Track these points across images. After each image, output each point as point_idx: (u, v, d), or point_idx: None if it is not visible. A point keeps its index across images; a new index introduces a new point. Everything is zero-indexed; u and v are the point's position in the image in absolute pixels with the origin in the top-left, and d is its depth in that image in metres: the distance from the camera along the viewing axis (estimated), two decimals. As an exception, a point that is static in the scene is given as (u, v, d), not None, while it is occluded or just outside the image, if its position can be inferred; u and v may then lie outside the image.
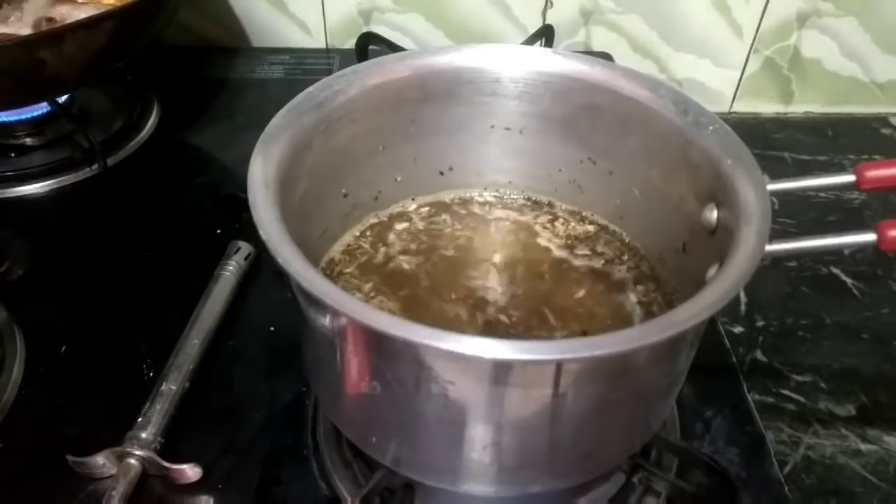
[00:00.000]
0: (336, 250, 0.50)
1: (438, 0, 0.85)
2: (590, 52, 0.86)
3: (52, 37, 0.57)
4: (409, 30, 0.88)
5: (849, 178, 0.42)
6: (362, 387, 0.37)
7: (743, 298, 0.63)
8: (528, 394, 0.35)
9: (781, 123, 0.88)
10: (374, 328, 0.32)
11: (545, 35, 0.80)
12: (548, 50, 0.50)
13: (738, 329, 0.60)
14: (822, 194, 0.74)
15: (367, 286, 0.48)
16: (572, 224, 0.52)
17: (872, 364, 0.58)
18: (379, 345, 0.35)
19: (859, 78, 0.88)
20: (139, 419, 0.48)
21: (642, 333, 0.33)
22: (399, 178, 0.52)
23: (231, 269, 0.58)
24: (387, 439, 0.40)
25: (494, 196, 0.54)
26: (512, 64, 0.48)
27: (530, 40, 0.79)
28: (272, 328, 0.57)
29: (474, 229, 0.52)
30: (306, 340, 0.41)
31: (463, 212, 0.53)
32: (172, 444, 0.48)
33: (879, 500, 0.49)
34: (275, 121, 0.42)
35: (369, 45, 0.79)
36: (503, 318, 0.46)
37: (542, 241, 0.51)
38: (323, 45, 0.90)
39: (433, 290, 0.47)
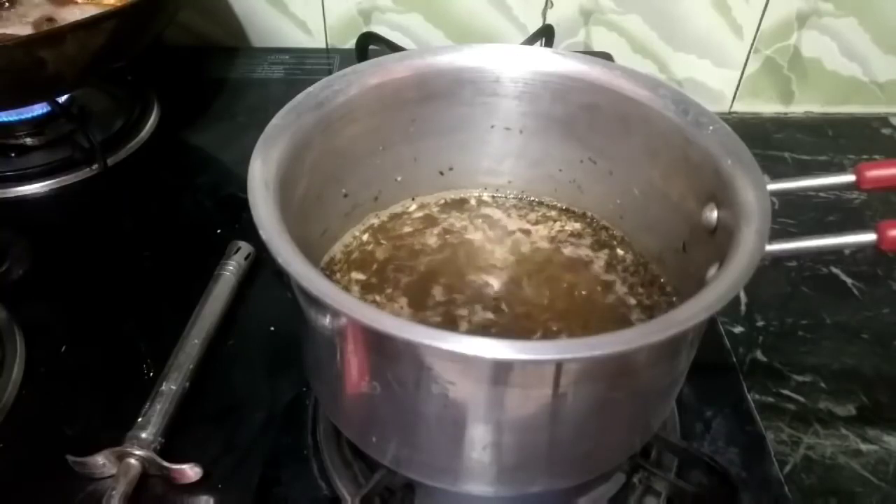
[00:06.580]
0: (336, 250, 0.50)
1: (438, 0, 0.85)
2: (590, 52, 0.86)
3: (52, 37, 0.57)
4: (409, 30, 0.88)
5: (849, 178, 0.42)
6: (362, 387, 0.37)
7: (743, 298, 0.63)
8: (527, 394, 0.35)
9: (781, 123, 0.88)
10: (375, 328, 0.32)
11: (545, 35, 0.80)
12: (548, 50, 0.50)
13: (738, 329, 0.60)
14: (822, 194, 0.74)
15: (368, 286, 0.48)
16: (572, 224, 0.52)
17: (872, 364, 0.58)
18: (379, 345, 0.35)
19: (859, 78, 0.88)
20: (139, 419, 0.48)
21: (642, 333, 0.33)
22: (399, 178, 0.52)
23: (231, 269, 0.58)
24: (387, 439, 0.40)
25: (494, 196, 0.54)
26: (512, 64, 0.48)
27: (530, 40, 0.79)
28: (272, 328, 0.57)
29: (474, 229, 0.52)
30: (306, 340, 0.41)
31: (463, 212, 0.53)
32: (172, 444, 0.48)
33: (879, 500, 0.49)
34: (275, 121, 0.42)
35: (369, 45, 0.79)
36: (503, 318, 0.46)
37: (541, 241, 0.51)
38: (323, 45, 0.90)
39: (433, 289, 0.47)
